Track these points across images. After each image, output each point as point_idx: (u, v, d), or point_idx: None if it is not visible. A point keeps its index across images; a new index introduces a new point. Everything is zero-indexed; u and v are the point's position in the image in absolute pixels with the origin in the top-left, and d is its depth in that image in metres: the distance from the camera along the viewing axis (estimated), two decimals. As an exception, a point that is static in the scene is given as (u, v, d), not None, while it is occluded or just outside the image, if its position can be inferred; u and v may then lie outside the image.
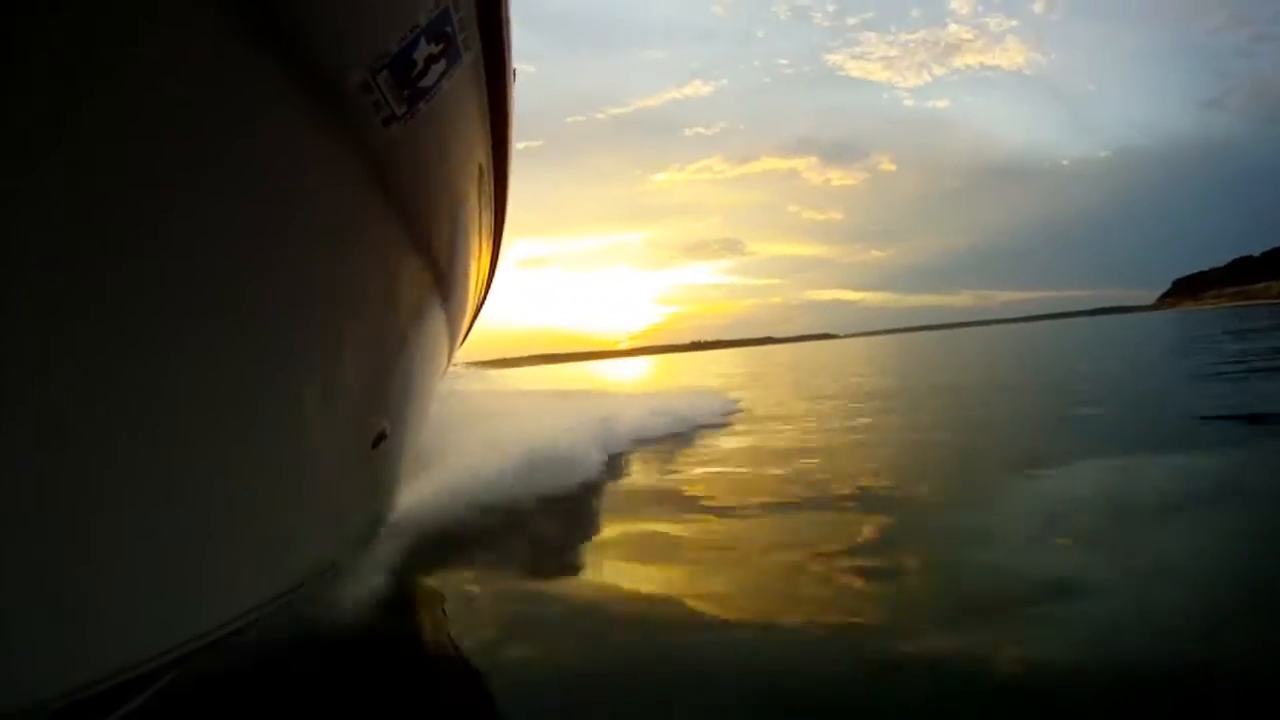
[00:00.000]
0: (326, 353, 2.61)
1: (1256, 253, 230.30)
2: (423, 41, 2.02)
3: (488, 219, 3.61)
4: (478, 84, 2.59)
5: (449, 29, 2.11)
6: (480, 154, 3.00)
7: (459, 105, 2.50)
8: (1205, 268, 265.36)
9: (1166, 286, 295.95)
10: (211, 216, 1.87)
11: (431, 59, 2.09)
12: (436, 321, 3.65)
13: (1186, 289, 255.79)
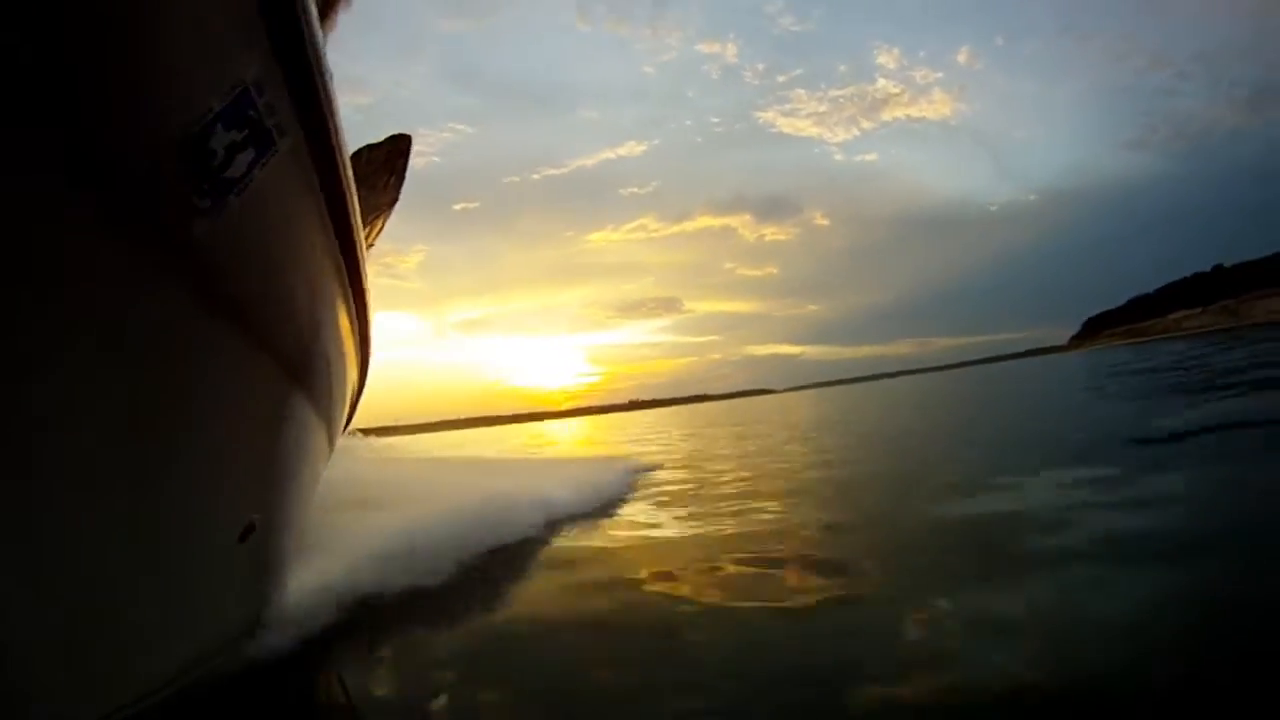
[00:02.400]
0: (168, 457, 2.49)
1: (1151, 289, 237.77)
2: (219, 128, 1.88)
3: (347, 304, 3.53)
4: (303, 171, 2.43)
5: (252, 114, 1.98)
6: (321, 242, 2.87)
7: (284, 194, 2.36)
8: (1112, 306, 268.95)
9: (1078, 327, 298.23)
10: (17, 328, 1.82)
11: (235, 147, 1.95)
12: (301, 410, 3.50)
13: (1089, 329, 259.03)
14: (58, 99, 1.59)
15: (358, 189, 5.46)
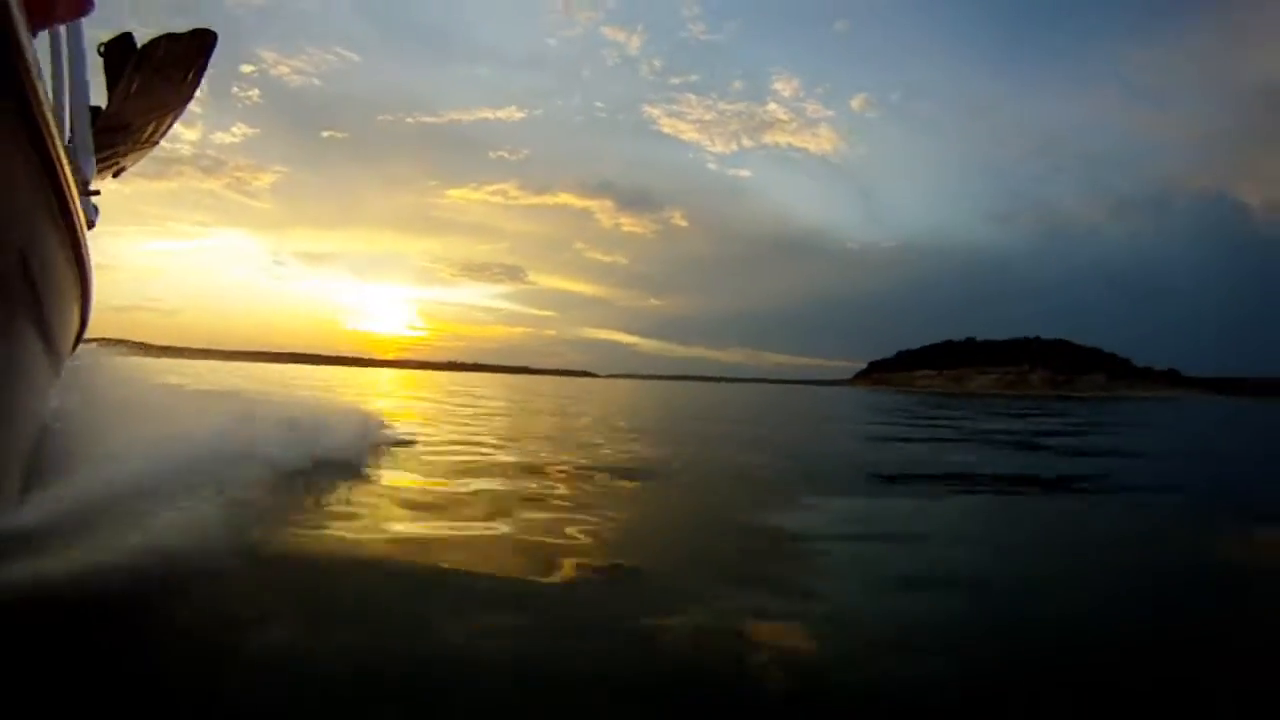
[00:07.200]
0: None
1: (917, 345, 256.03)
2: None
3: (51, 215, 3.16)
4: None
5: None
6: (17, 155, 2.54)
7: None
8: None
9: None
10: None
11: None
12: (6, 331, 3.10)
13: (869, 370, 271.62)
14: None
15: (152, 78, 4.55)
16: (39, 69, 2.54)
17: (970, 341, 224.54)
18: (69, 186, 3.19)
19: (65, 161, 3.07)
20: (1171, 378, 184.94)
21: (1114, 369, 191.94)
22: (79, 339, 5.32)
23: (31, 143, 2.57)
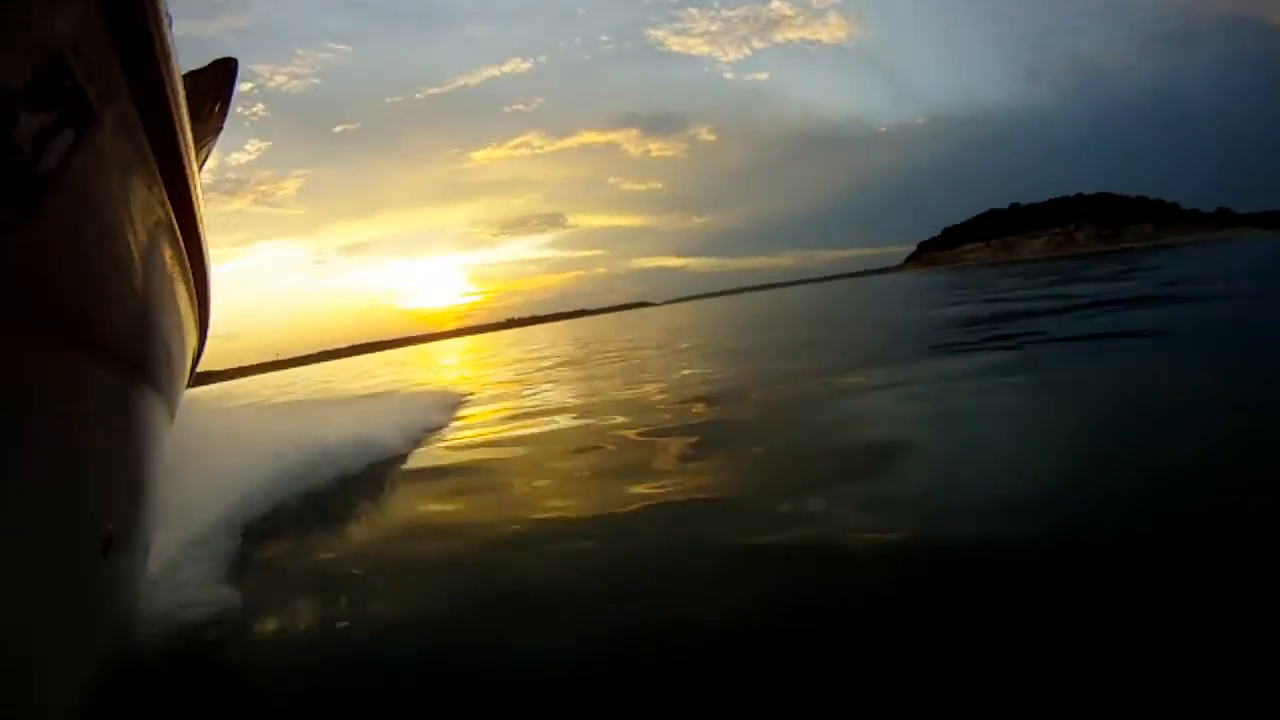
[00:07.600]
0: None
1: (962, 220, 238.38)
2: (25, 116, 1.38)
3: (185, 276, 3.01)
4: (134, 141, 1.94)
5: (69, 84, 1.49)
6: (157, 218, 2.35)
7: (111, 176, 1.85)
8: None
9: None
10: None
11: (46, 133, 1.45)
12: (143, 400, 2.93)
13: (919, 253, 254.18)
14: None
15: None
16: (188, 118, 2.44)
17: (1015, 208, 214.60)
18: (205, 250, 3.12)
19: (204, 221, 2.95)
20: (1221, 218, 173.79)
21: (1161, 215, 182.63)
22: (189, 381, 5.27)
23: (177, 208, 2.48)
